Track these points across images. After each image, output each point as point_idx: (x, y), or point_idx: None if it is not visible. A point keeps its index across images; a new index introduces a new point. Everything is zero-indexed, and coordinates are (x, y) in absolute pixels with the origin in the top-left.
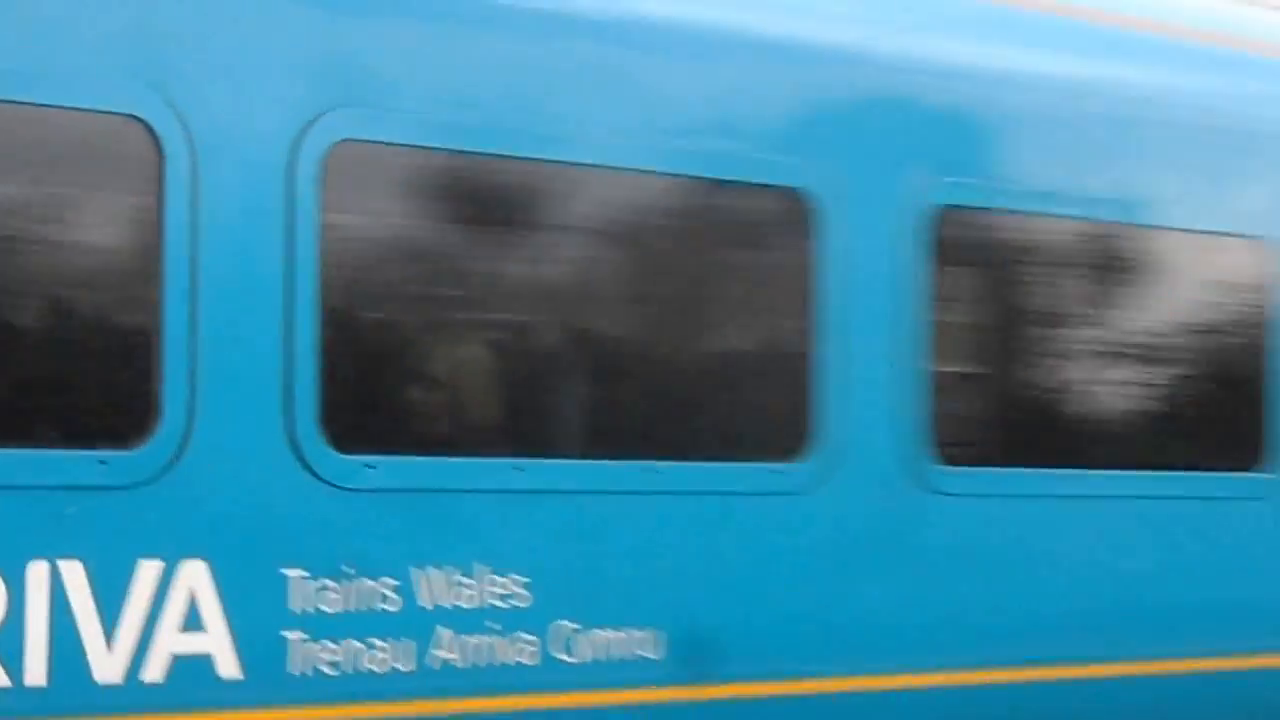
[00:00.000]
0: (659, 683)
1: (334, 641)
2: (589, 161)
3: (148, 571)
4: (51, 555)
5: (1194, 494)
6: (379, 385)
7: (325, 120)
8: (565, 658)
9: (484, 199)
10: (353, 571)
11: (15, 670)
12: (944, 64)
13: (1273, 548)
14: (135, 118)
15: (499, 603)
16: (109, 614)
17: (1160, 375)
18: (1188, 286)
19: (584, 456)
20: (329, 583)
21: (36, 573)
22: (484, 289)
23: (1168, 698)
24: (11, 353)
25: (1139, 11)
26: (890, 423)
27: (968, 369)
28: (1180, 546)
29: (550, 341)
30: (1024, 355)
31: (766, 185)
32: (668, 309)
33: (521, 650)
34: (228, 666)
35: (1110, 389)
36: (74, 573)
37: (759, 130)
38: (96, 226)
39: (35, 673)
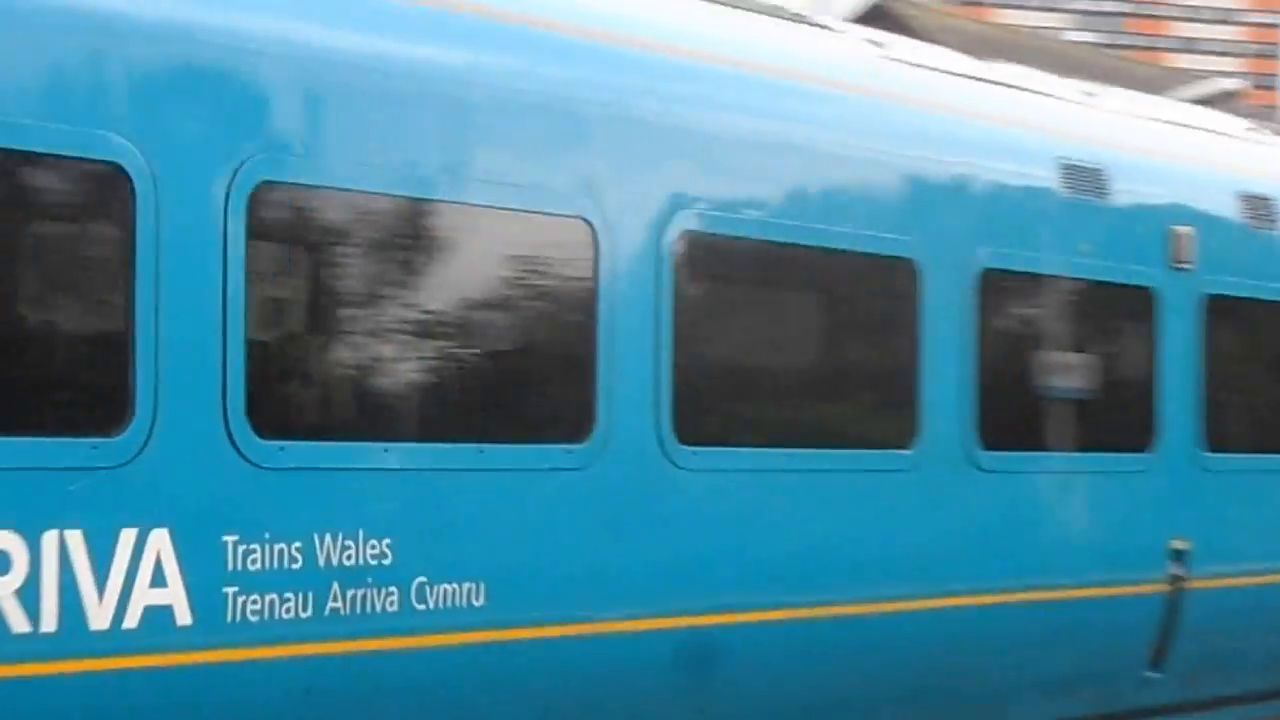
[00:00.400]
0: (486, 626)
1: (259, 594)
2: None
3: (127, 537)
4: (59, 525)
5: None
6: (292, 382)
7: None
8: (419, 606)
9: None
10: (269, 536)
11: (34, 620)
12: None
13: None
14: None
15: (373, 561)
16: (100, 573)
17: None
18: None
19: (430, 440)
20: (254, 546)
21: (50, 540)
22: (361, 306)
23: (850, 635)
24: None
25: None
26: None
27: None
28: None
29: (408, 344)
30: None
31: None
32: None
33: (389, 600)
34: (183, 616)
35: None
36: (75, 539)
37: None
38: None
39: (49, 623)
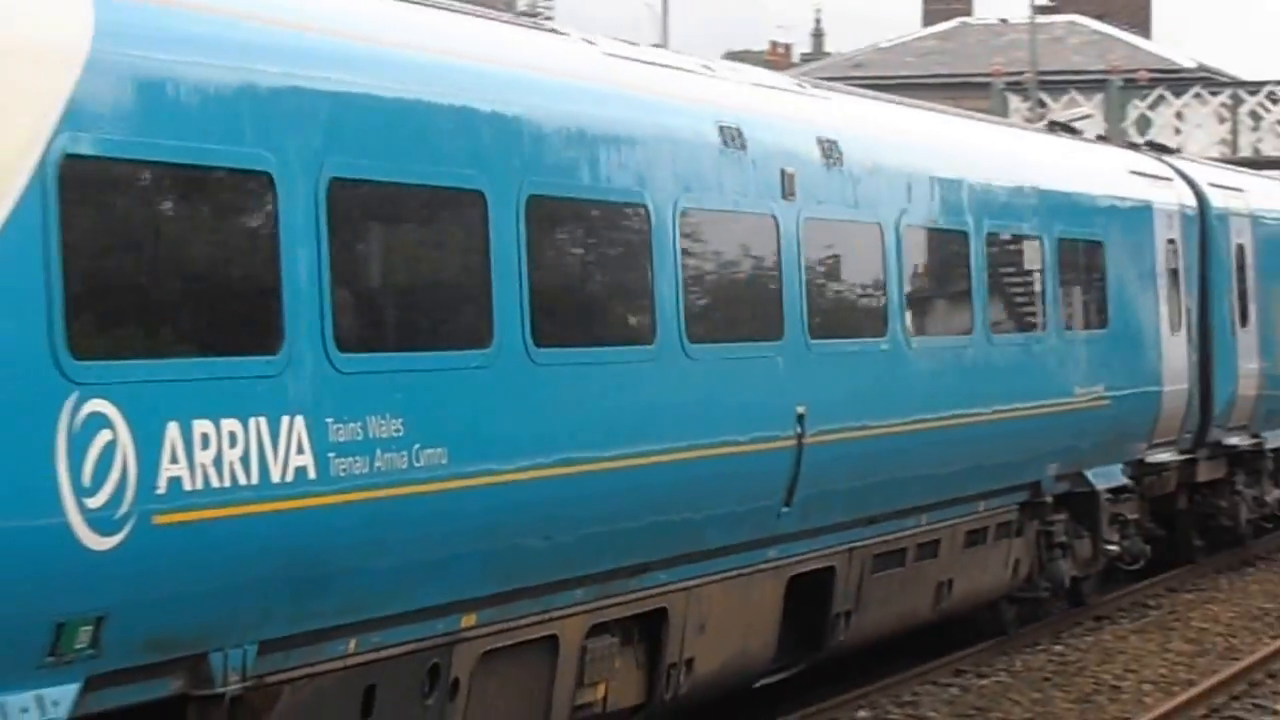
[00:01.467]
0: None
1: (343, 457)
2: None
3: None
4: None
5: None
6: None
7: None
8: (417, 464)
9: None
10: (347, 419)
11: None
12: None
13: None
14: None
15: (393, 434)
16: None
17: None
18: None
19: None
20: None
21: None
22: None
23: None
24: None
25: None
26: None
27: None
28: None
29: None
30: None
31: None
32: None
33: (401, 460)
34: (311, 472)
35: None
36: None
37: None
38: None
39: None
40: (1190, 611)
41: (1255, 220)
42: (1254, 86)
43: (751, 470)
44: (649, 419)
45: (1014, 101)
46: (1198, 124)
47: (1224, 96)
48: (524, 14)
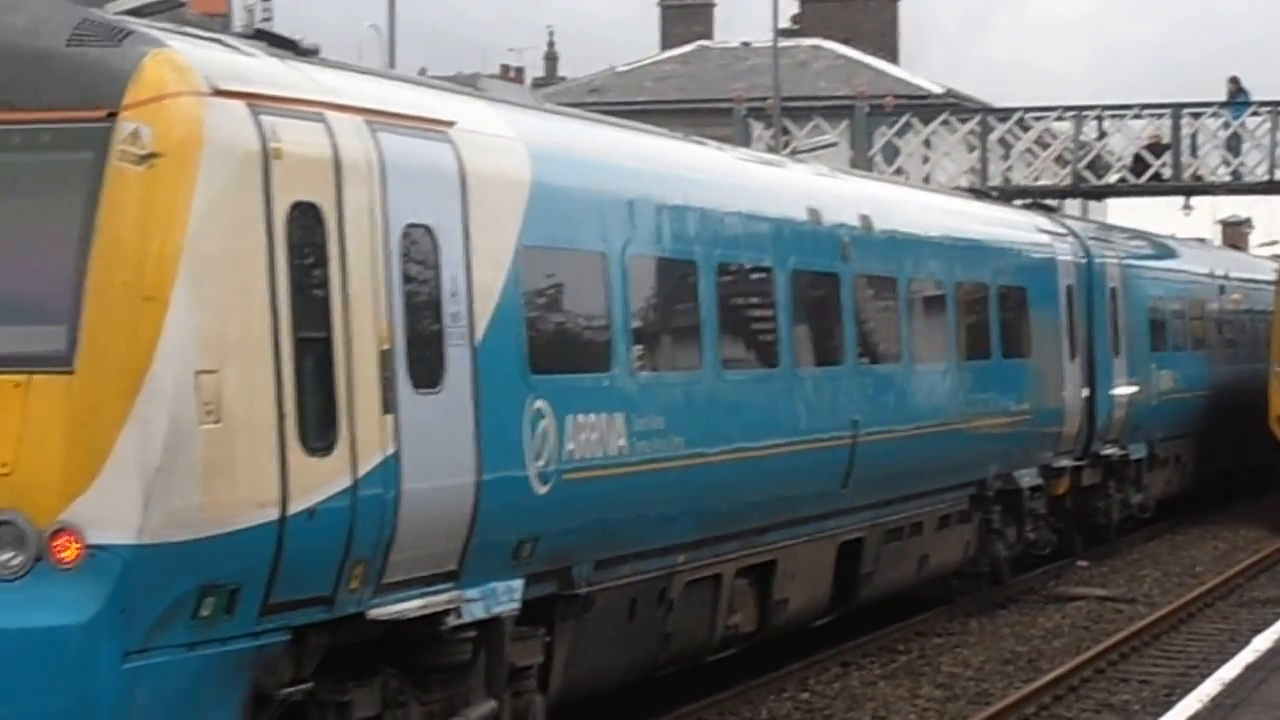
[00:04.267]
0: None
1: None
2: None
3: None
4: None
5: None
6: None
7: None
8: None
9: None
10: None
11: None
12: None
13: None
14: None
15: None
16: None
17: None
18: None
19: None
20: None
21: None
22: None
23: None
24: None
25: None
26: None
27: None
28: None
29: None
30: None
31: None
32: None
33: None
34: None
35: None
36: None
37: None
38: None
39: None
40: (940, 655)
41: (1123, 267)
42: (1003, 113)
43: (825, 459)
44: (777, 419)
45: (757, 128)
46: (946, 152)
47: (973, 124)
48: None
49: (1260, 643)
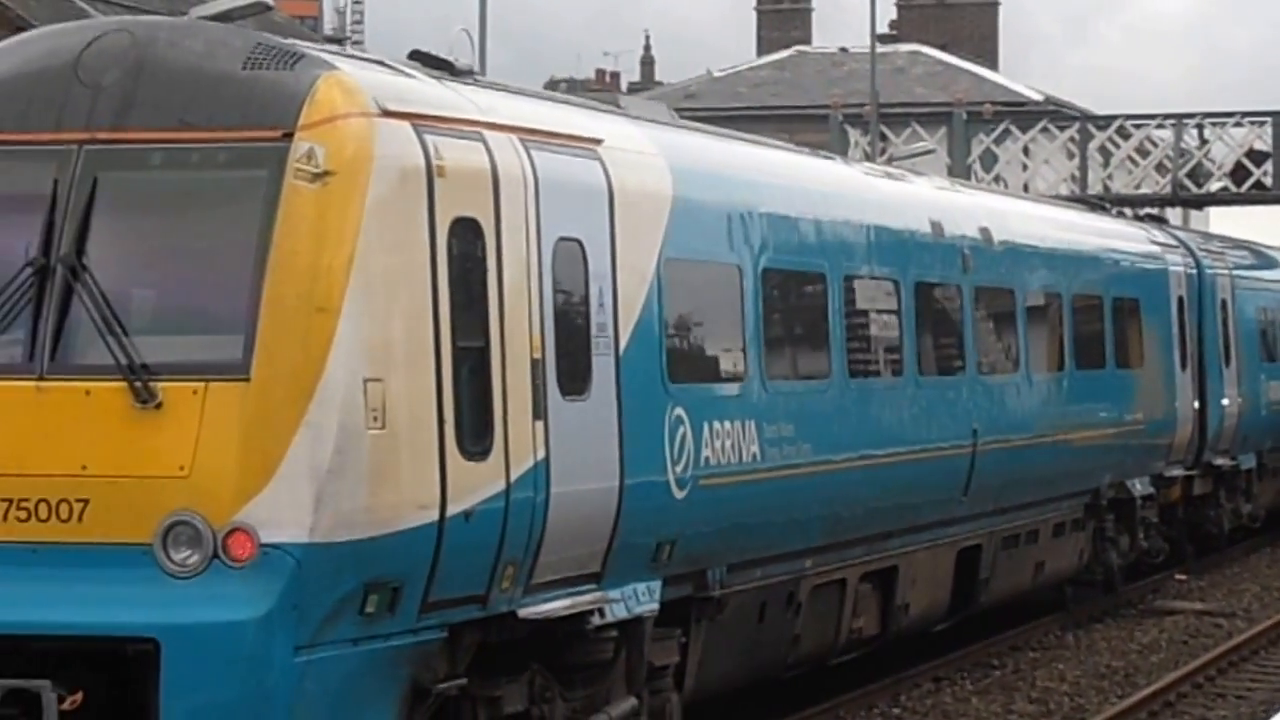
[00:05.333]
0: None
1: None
2: None
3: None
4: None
5: None
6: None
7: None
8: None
9: None
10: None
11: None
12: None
13: None
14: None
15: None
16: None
17: None
18: None
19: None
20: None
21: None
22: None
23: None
24: None
25: None
26: None
27: None
28: None
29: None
30: None
31: None
32: None
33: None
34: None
35: None
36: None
37: None
38: None
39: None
40: (1035, 670)
41: (1233, 278)
42: (1103, 121)
43: (947, 467)
44: (900, 428)
45: (853, 135)
46: (1045, 159)
47: (1072, 131)
48: (330, 39)
49: None
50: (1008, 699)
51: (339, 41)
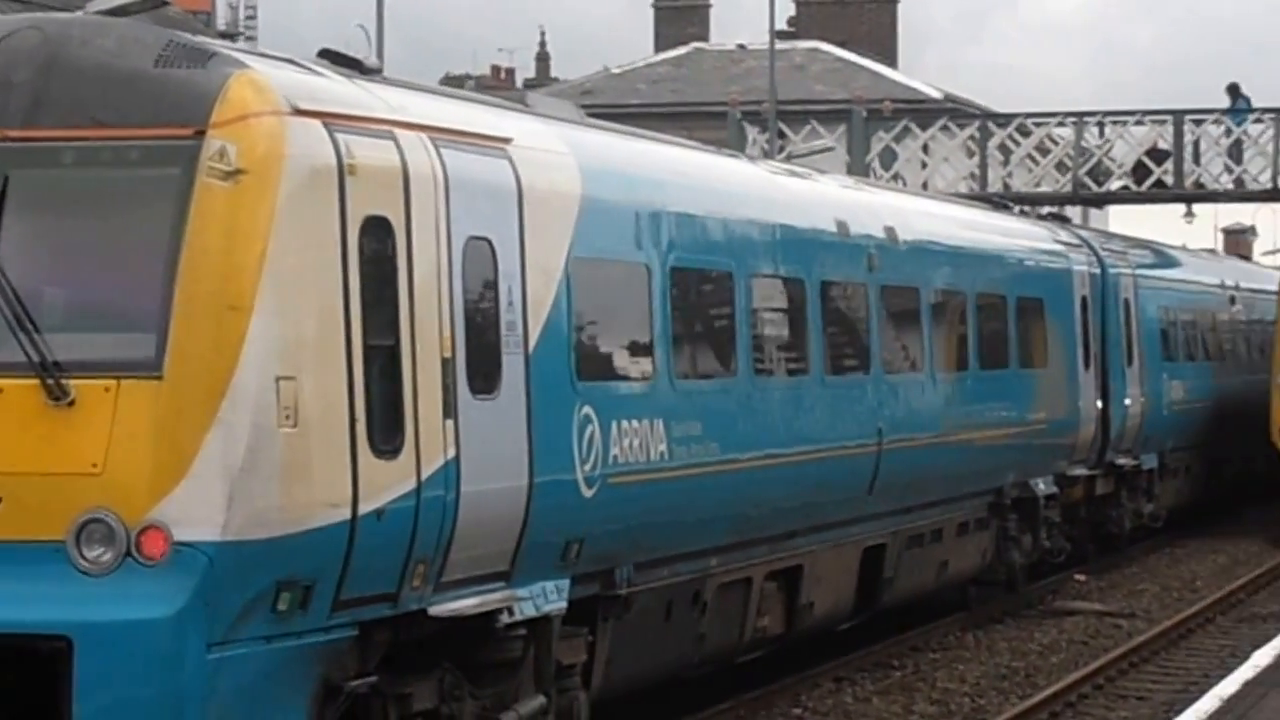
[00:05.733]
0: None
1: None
2: None
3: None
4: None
5: None
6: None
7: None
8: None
9: None
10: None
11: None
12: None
13: None
14: None
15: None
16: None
17: None
18: None
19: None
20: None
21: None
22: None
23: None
24: None
25: None
26: None
27: None
28: None
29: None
30: None
31: None
32: None
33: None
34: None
35: None
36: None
37: None
38: None
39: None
40: (936, 671)
41: (1136, 278)
42: (1003, 119)
43: (852, 466)
44: (806, 427)
45: (752, 132)
46: (945, 157)
47: (972, 129)
48: (223, 34)
49: (1260, 658)
50: (908, 700)
51: (232, 37)
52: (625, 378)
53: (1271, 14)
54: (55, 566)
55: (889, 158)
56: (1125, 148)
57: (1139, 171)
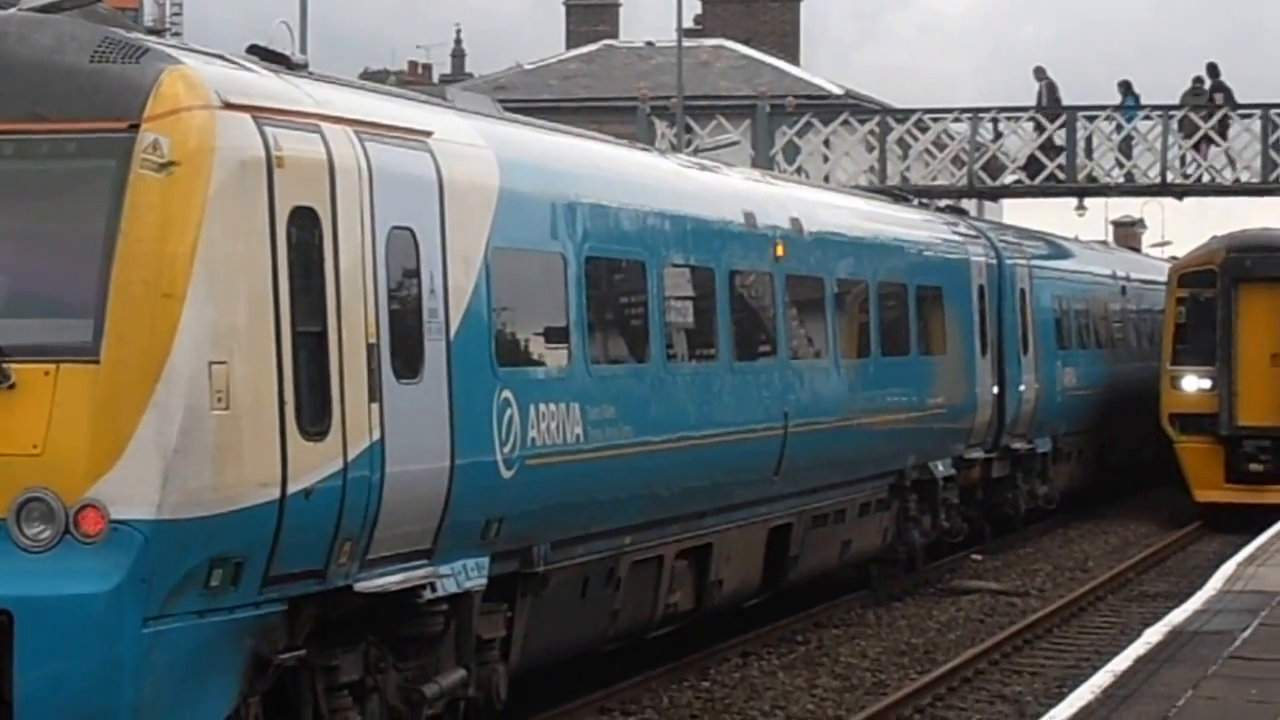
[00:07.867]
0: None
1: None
2: None
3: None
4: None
5: None
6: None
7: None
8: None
9: None
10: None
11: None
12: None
13: None
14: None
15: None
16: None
17: None
18: None
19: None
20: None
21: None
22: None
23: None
24: None
25: None
26: None
27: None
28: None
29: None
30: None
31: None
32: None
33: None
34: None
35: None
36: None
37: None
38: None
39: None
40: (838, 646)
41: (1031, 268)
42: (902, 115)
43: (759, 448)
44: (716, 411)
45: (660, 126)
46: (846, 151)
47: (872, 124)
48: (151, 30)
49: (1150, 635)
50: (812, 674)
51: (159, 33)
52: (543, 363)
53: (1155, 16)
54: None
55: (792, 152)
56: (1019, 143)
57: (1031, 166)
